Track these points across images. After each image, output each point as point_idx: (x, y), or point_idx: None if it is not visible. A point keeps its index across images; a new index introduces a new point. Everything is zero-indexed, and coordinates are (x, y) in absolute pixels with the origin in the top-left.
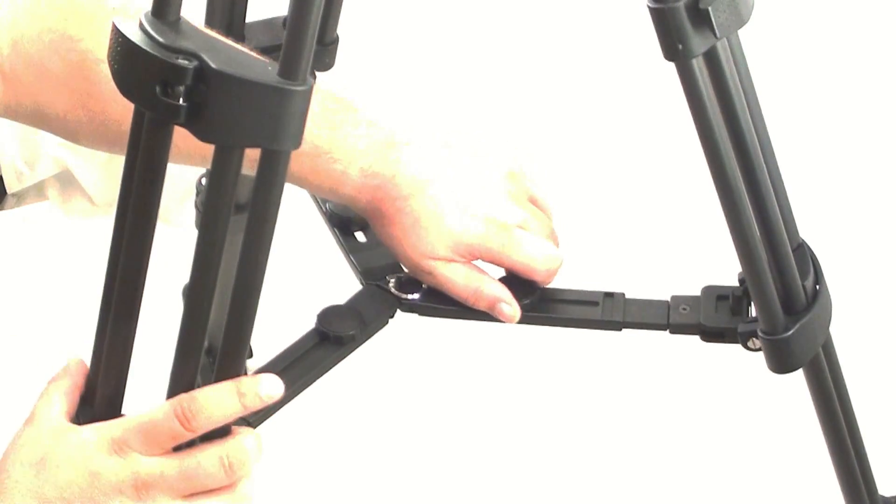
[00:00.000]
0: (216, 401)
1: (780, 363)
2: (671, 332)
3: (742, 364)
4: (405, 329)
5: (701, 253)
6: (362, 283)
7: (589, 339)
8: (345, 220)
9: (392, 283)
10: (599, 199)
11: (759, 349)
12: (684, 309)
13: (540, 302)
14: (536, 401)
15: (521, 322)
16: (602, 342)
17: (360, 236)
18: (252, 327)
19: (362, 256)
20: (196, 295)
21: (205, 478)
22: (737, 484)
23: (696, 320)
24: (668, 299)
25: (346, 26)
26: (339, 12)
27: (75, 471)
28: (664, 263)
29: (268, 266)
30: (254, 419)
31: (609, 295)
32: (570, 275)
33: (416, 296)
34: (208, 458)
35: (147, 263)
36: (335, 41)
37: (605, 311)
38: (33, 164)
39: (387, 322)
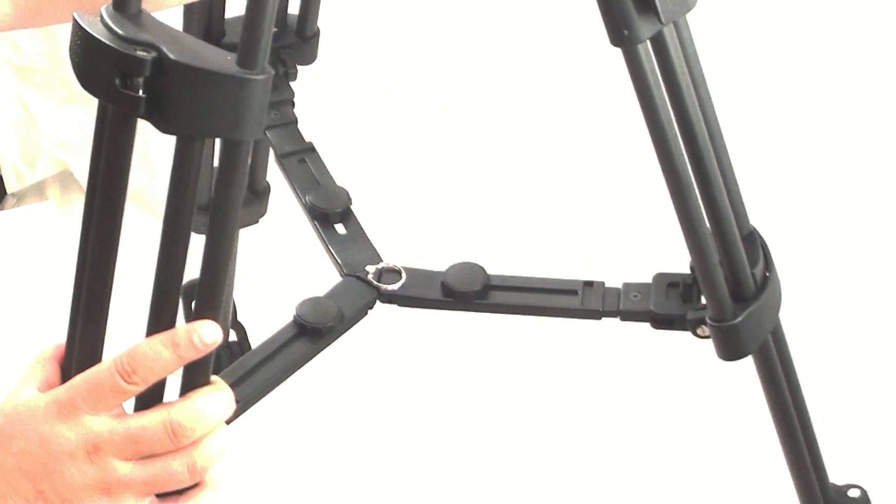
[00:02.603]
0: (152, 352)
1: (729, 350)
2: (622, 318)
3: (695, 351)
4: (385, 320)
5: (656, 240)
6: (342, 275)
7: (570, 328)
8: (325, 213)
9: (371, 274)
10: (552, 188)
11: (708, 336)
12: (635, 296)
13: (517, 291)
14: (514, 389)
15: (501, 312)
16: (583, 332)
17: (340, 228)
18: (219, 316)
19: (342, 248)
20: (161, 287)
21: (150, 442)
22: (687, 472)
23: (646, 307)
24: (620, 286)
25: (342, 23)
26: (319, 6)
27: (27, 439)
28: (618, 251)
29: (247, 259)
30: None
31: (589, 283)
32: (526, 261)
33: (395, 286)
34: (152, 420)
35: (115, 256)
36: (316, 35)
37: (585, 301)
38: (33, 164)
39: (366, 313)
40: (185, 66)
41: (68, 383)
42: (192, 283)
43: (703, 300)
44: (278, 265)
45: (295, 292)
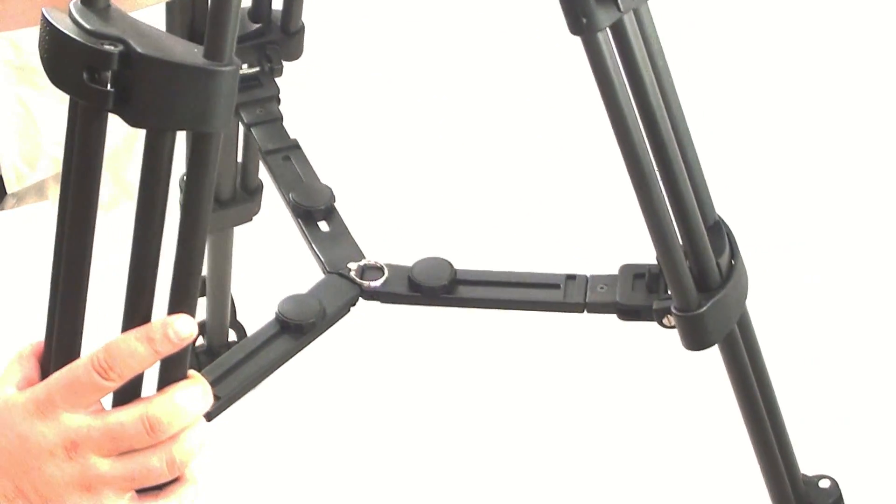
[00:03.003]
0: (128, 348)
1: (695, 340)
2: (588, 311)
3: (663, 342)
4: (367, 317)
5: (622, 230)
6: (325, 272)
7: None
8: (308, 210)
9: (354, 271)
10: (519, 180)
11: (673, 326)
12: (602, 288)
13: (485, 285)
14: (496, 385)
15: (468, 306)
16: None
17: (324, 226)
18: (194, 310)
19: (325, 245)
20: (135, 282)
21: (128, 437)
22: (655, 463)
23: (612, 299)
24: (588, 277)
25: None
26: (303, 1)
27: (5, 438)
28: (585, 242)
29: (241, 256)
30: (212, 409)
31: (571, 277)
32: (495, 254)
33: (377, 283)
34: (130, 416)
35: (91, 252)
36: (301, 30)
37: (568, 294)
38: (33, 164)
39: (348, 310)
40: (152, 59)
41: (46, 381)
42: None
43: (669, 290)
44: (271, 263)
45: (287, 289)
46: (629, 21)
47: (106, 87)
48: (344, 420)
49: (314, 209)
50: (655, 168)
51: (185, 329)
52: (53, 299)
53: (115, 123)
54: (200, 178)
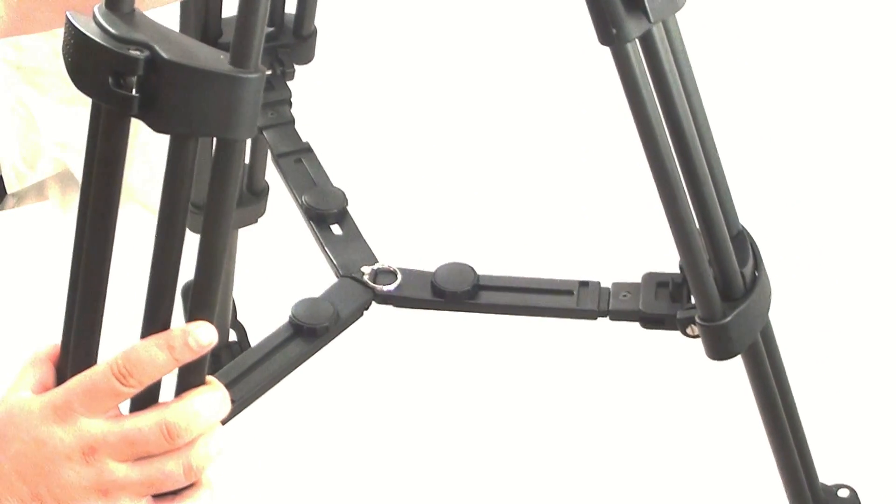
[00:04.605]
0: (147, 355)
1: (719, 350)
2: (611, 318)
3: (685, 351)
4: (380, 321)
5: (646, 239)
6: (338, 276)
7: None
8: (321, 214)
9: (367, 275)
10: (543, 188)
11: (697, 336)
12: (625, 296)
13: (507, 291)
14: (509, 390)
15: (490, 312)
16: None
17: (336, 229)
18: (214, 317)
19: (338, 249)
20: (156, 287)
21: (146, 443)
22: (677, 472)
23: (635, 307)
24: (610, 286)
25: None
26: (316, 5)
27: (23, 442)
28: (607, 250)
29: (246, 258)
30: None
31: (584, 284)
32: (516, 261)
33: (391, 287)
34: (148, 422)
35: (110, 256)
36: (313, 34)
37: (581, 301)
38: (33, 164)
39: (361, 314)
40: (178, 65)
41: (64, 385)
42: (190, 284)
43: (693, 300)
44: (277, 265)
45: (293, 292)
46: (658, 32)
47: (131, 92)
48: (356, 424)
49: (327, 212)
50: (681, 177)
51: (205, 337)
52: (71, 303)
53: None
54: (224, 185)
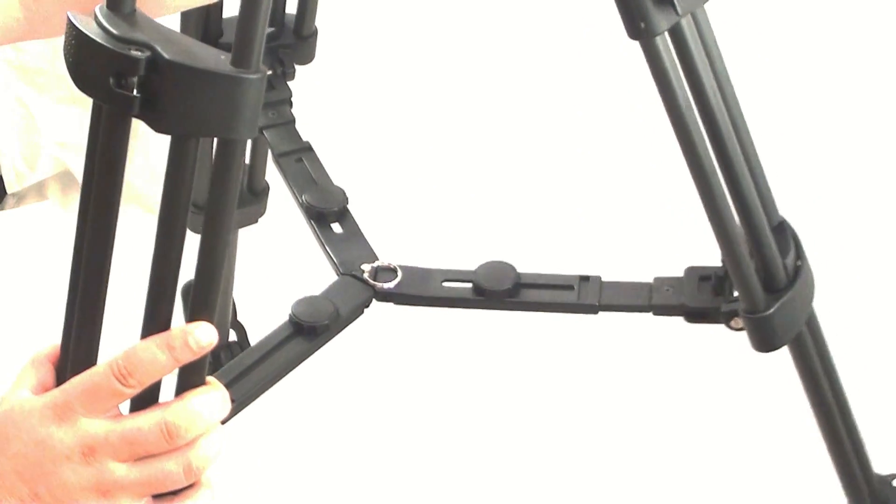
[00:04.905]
0: (148, 355)
1: (763, 342)
2: (654, 313)
3: (730, 345)
4: (381, 318)
5: (686, 234)
6: (338, 274)
7: (568, 323)
8: (321, 212)
9: (367, 273)
10: (582, 183)
11: (741, 328)
12: (667, 290)
13: (515, 288)
14: (513, 387)
15: (497, 308)
16: (583, 326)
17: (337, 227)
18: (215, 318)
19: (338, 247)
20: (156, 288)
21: (146, 443)
22: (729, 468)
23: (679, 301)
24: (651, 281)
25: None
26: (317, 5)
27: (23, 442)
28: (647, 245)
29: (244, 257)
30: None
31: (585, 278)
32: (553, 258)
33: (391, 285)
34: (148, 422)
35: (111, 257)
36: (314, 34)
37: (581, 295)
38: (33, 164)
39: (362, 312)
40: (180, 66)
41: (64, 386)
42: (190, 284)
43: (736, 292)
44: (277, 264)
45: (293, 291)
46: (687, 24)
47: (132, 92)
48: (357, 422)
49: (327, 211)
50: (718, 170)
51: (205, 338)
52: (71, 304)
53: None
54: (225, 186)
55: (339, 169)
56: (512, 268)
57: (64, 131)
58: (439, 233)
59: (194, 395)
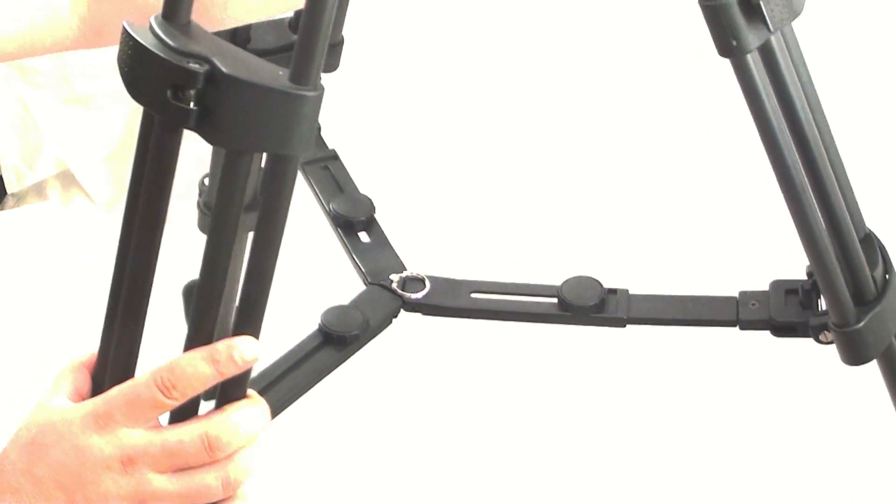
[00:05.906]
0: (192, 368)
1: (853, 355)
2: (741, 328)
3: (812, 358)
4: (409, 328)
5: (766, 248)
6: (366, 284)
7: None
8: (349, 221)
9: (396, 283)
10: (663, 198)
11: (830, 342)
12: (754, 304)
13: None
14: (542, 400)
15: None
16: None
17: (364, 236)
18: (259, 332)
19: (366, 256)
20: (204, 299)
21: (186, 455)
22: (820, 477)
23: (766, 315)
24: (736, 295)
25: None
26: (345, 14)
27: (62, 449)
28: (730, 259)
29: (243, 260)
30: None
31: (612, 291)
32: (631, 272)
33: (419, 295)
34: (189, 434)
35: (155, 266)
36: (340, 43)
37: (609, 309)
38: (33, 164)
39: (390, 322)
40: (238, 80)
41: (105, 395)
42: (191, 284)
43: (823, 306)
44: (302, 273)
45: (318, 300)
46: (776, 40)
47: (189, 105)
48: (386, 432)
49: (355, 220)
50: (807, 184)
51: (249, 352)
52: (111, 314)
53: (112, 122)
54: (276, 201)
55: (365, 177)
56: (595, 282)
57: (64, 131)
58: (467, 243)
59: (236, 409)
